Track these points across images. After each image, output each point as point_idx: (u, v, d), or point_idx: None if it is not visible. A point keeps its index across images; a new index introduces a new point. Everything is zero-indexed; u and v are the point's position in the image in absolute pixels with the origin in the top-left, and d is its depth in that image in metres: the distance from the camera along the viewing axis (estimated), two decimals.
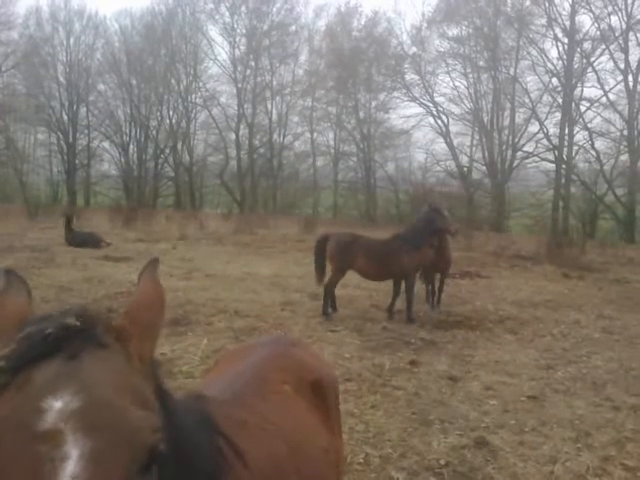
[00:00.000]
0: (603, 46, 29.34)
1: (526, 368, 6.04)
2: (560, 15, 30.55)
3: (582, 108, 30.87)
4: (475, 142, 34.96)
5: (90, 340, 0.98)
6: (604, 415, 4.79)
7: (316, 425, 1.83)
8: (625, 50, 28.85)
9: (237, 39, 38.66)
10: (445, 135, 35.05)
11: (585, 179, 30.28)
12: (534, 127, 32.65)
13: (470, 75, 34.40)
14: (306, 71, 38.27)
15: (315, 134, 38.54)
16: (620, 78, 29.28)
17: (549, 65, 31.48)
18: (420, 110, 35.55)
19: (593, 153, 30.45)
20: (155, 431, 0.91)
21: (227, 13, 38.30)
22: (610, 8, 28.71)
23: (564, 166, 30.89)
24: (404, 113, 35.90)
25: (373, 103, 36.53)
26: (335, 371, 3.39)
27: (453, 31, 34.31)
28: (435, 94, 35.40)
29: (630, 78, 28.83)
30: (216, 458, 1.24)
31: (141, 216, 22.63)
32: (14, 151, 37.93)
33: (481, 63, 33.80)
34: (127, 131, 40.10)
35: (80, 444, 0.83)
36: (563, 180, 31.10)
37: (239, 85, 38.15)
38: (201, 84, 39.46)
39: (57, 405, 0.86)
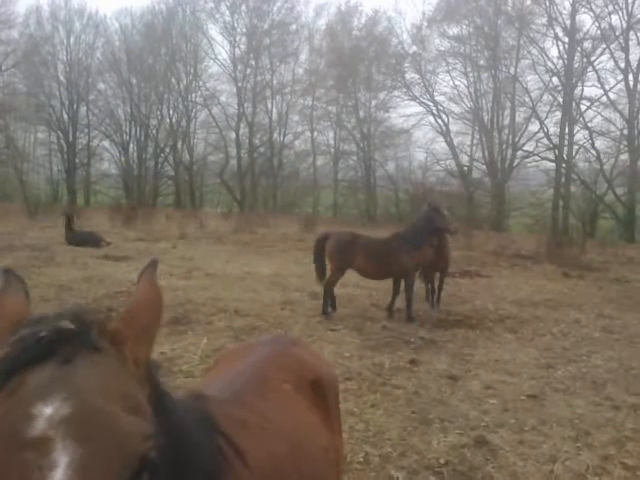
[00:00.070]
0: (603, 45, 29.30)
1: (526, 367, 6.04)
2: (561, 14, 30.55)
3: (582, 107, 30.88)
4: (475, 141, 34.99)
5: (84, 344, 0.97)
6: (604, 414, 4.79)
7: (316, 424, 1.84)
8: (625, 49, 28.83)
9: (237, 38, 38.68)
10: (445, 134, 35.04)
11: (585, 178, 30.26)
12: (534, 126, 32.68)
13: (470, 74, 34.39)
14: (306, 70, 38.24)
15: (315, 133, 38.54)
16: (620, 77, 29.29)
17: (549, 64, 31.49)
18: (420, 109, 35.57)
19: (593, 152, 30.46)
20: (146, 438, 0.90)
21: (227, 12, 38.30)
22: (611, 7, 28.71)
23: (564, 165, 30.86)
24: (404, 112, 35.92)
25: (373, 102, 36.50)
26: (335, 370, 3.40)
27: (453, 30, 34.33)
28: (435, 93, 35.42)
29: (630, 77, 28.81)
30: (216, 457, 1.24)
31: (141, 215, 22.63)
32: (14, 150, 37.90)
33: (481, 62, 33.77)
34: (127, 130, 40.10)
35: (69, 452, 0.82)
36: (563, 179, 31.07)
37: (239, 84, 38.13)
38: (201, 83, 39.48)
39: (47, 411, 0.85)
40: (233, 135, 38.93)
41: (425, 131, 35.81)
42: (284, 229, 22.14)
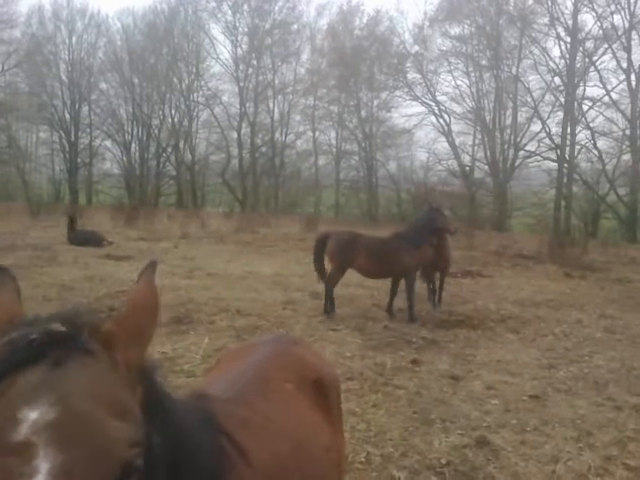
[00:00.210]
0: (606, 45, 29.24)
1: (528, 367, 6.04)
2: (563, 14, 30.50)
3: (584, 107, 30.81)
4: (477, 141, 34.96)
5: (75, 347, 0.96)
6: (606, 415, 4.79)
7: (318, 424, 1.84)
8: (628, 49, 28.77)
9: (239, 38, 38.69)
10: (447, 134, 35.00)
11: (587, 178, 30.21)
12: (536, 126, 32.64)
13: (472, 74, 34.34)
14: (308, 70, 38.23)
15: (317, 133, 38.53)
16: (623, 77, 29.23)
17: (551, 64, 31.44)
18: (422, 109, 35.52)
19: (595, 152, 30.42)
20: (132, 444, 0.89)
21: (229, 12, 38.32)
22: (613, 7, 28.63)
23: (566, 165, 30.82)
24: (406, 112, 35.87)
25: (375, 102, 36.47)
26: (336, 370, 3.40)
27: (455, 30, 34.27)
28: (437, 93, 35.37)
29: (633, 77, 28.74)
30: (219, 457, 1.24)
31: (143, 215, 22.67)
32: (16, 150, 37.98)
33: (483, 62, 33.73)
34: (129, 130, 40.12)
35: (51, 458, 0.81)
36: (565, 179, 31.01)
37: (241, 84, 38.14)
38: (203, 83, 39.48)
39: (32, 416, 0.84)
40: (235, 135, 38.96)
41: (427, 131, 35.83)
42: (286, 229, 22.14)
